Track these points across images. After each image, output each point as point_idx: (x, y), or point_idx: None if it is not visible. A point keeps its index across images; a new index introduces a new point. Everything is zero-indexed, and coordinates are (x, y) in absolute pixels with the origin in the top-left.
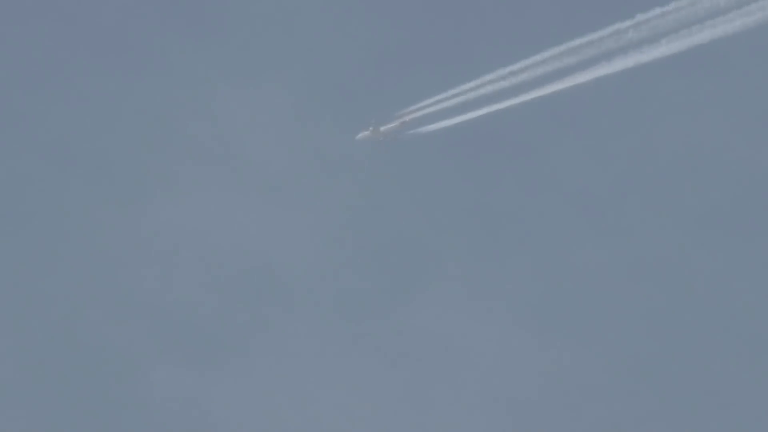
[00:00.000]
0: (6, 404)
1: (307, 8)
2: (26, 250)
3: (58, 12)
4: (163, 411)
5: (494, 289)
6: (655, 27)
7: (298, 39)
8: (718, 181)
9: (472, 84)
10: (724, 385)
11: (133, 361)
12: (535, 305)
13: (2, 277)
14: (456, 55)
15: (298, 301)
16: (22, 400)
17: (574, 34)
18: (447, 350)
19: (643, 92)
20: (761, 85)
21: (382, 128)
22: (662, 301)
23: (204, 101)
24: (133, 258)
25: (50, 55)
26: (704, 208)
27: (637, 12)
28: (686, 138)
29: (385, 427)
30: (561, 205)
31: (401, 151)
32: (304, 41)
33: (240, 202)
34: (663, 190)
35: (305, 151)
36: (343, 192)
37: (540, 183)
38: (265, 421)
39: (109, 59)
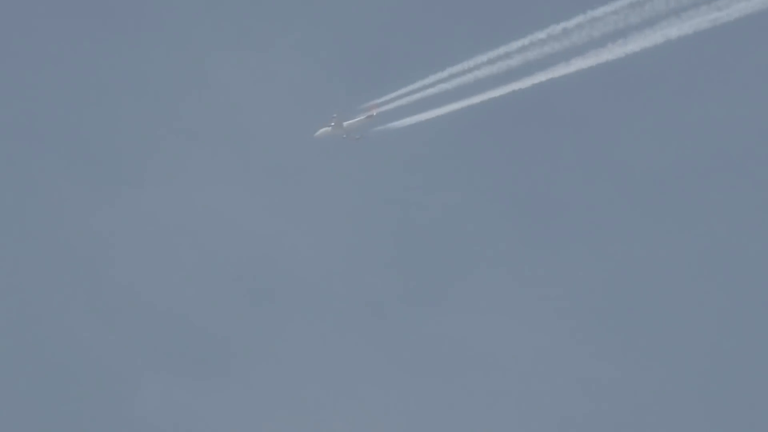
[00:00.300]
0: None
1: None
2: None
3: None
4: (154, 428)
5: (539, 289)
6: None
7: None
8: None
9: (485, 57)
10: None
11: (120, 370)
12: (587, 307)
13: None
14: (491, 15)
15: (312, 303)
16: None
17: None
18: (485, 360)
19: (720, 55)
20: None
21: (346, 123)
22: (739, 302)
23: (200, 68)
24: (121, 253)
25: (27, 20)
26: None
27: None
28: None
29: None
30: (619, 189)
31: (427, 128)
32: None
33: (244, 187)
34: (742, 171)
35: (318, 127)
36: (363, 175)
37: (594, 164)
38: None
39: (91, 19)
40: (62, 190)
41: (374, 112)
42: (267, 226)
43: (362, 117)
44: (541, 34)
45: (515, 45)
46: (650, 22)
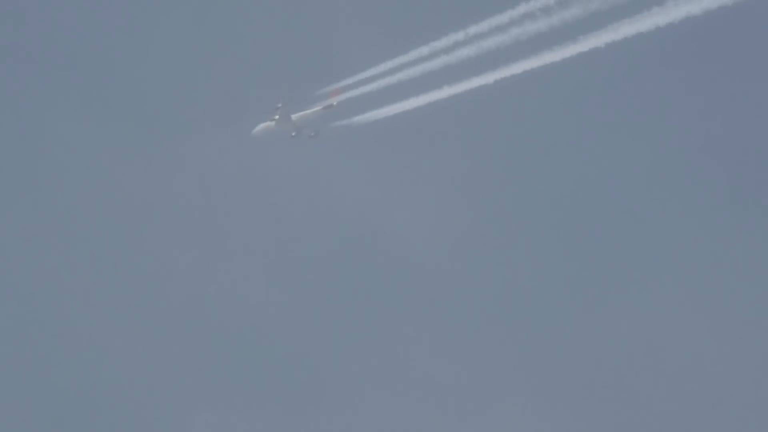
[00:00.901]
0: None
1: None
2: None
3: None
4: None
5: (753, 282)
6: None
7: None
8: None
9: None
10: None
11: (163, 395)
12: None
13: None
14: None
15: (436, 304)
16: None
17: None
18: (679, 372)
19: None
20: None
21: (295, 115)
22: None
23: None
24: (166, 229)
25: None
26: None
27: None
28: None
29: None
30: None
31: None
32: None
33: (342, 145)
34: None
35: (257, 122)
36: (496, 137)
37: None
38: None
39: None
40: (97, 146)
41: (335, 101)
42: (378, 195)
43: (318, 107)
44: None
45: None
46: None
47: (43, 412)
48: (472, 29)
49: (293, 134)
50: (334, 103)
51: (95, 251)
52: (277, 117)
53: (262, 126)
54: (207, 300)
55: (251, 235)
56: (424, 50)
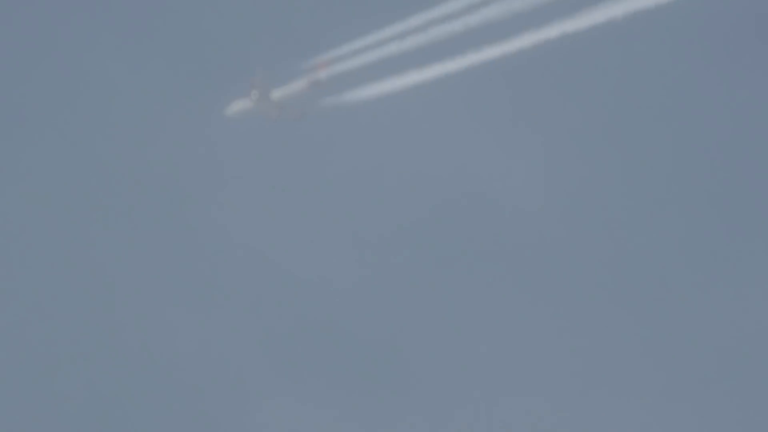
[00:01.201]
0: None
1: None
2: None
3: None
4: None
5: None
6: None
7: None
8: None
9: None
10: None
11: (236, 385)
12: None
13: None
14: None
15: (536, 282)
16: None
17: None
18: None
19: None
20: None
21: (276, 93)
22: None
23: None
24: (232, 195)
25: None
26: None
27: None
28: None
29: None
30: None
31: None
32: None
33: (446, 109)
34: None
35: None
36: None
37: None
38: None
39: None
40: (149, 97)
41: (322, 74)
42: (482, 162)
43: (302, 83)
44: None
45: None
46: None
47: (122, 398)
48: None
49: (276, 115)
50: (322, 78)
51: (146, 212)
52: (254, 93)
53: (237, 106)
54: (277, 277)
55: (326, 204)
56: (429, 15)
